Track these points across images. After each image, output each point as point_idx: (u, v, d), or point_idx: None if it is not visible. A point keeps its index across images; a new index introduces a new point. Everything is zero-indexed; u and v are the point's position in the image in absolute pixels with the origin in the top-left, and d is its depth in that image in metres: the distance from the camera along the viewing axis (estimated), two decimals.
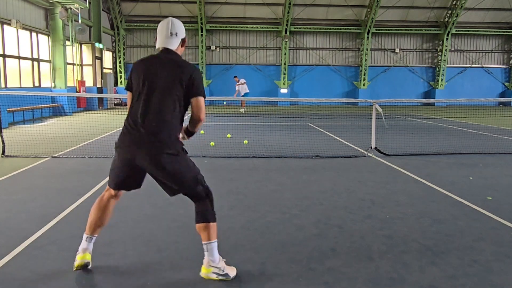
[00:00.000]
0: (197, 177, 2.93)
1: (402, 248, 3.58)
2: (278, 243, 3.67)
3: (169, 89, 2.82)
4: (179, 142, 2.91)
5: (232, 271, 3.01)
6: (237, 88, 19.70)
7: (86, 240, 3.06)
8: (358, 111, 20.21)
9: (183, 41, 3.01)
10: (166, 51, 2.94)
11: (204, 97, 2.94)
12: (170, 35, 2.93)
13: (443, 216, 4.45)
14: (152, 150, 2.78)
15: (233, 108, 20.45)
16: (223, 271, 2.95)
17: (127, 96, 3.06)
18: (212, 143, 9.18)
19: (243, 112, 18.80)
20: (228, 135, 10.65)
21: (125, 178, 2.97)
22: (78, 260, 2.99)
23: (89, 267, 3.04)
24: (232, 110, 19.43)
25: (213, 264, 2.94)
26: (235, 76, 20.39)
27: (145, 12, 25.07)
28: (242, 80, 19.67)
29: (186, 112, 2.99)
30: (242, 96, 19.20)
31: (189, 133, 3.10)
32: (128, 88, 3.00)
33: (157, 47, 2.99)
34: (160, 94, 2.82)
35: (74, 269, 3.00)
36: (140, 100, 2.86)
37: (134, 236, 3.78)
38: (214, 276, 2.93)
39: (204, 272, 2.96)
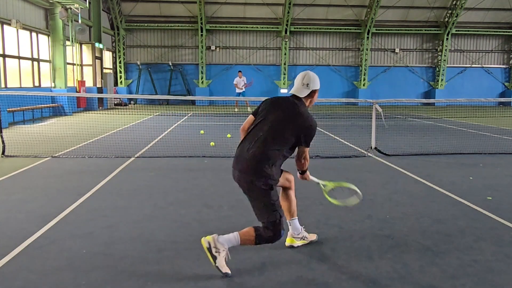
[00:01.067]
0: (269, 216, 3.10)
1: (402, 248, 3.58)
2: (278, 243, 3.66)
3: (281, 132, 3.14)
4: (267, 179, 3.08)
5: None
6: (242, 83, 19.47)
7: (290, 225, 3.59)
8: (358, 111, 20.21)
9: (313, 92, 3.37)
10: (295, 98, 3.32)
11: (308, 147, 3.32)
12: (303, 85, 3.33)
13: (443, 216, 4.45)
14: (242, 174, 3.11)
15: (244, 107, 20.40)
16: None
17: (249, 119, 3.40)
18: (212, 143, 9.17)
19: (237, 111, 18.78)
20: (228, 135, 10.65)
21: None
22: (287, 242, 3.60)
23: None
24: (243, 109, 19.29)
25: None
26: (240, 71, 20.14)
27: (145, 12, 25.06)
28: (245, 79, 19.63)
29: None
30: (240, 94, 19.20)
31: (301, 171, 3.58)
32: (254, 114, 3.36)
33: (290, 92, 3.37)
34: (272, 131, 3.13)
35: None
36: (254, 128, 3.22)
37: (134, 236, 3.78)
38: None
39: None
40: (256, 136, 3.15)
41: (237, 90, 19.38)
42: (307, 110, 3.32)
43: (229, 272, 3.03)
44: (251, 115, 3.38)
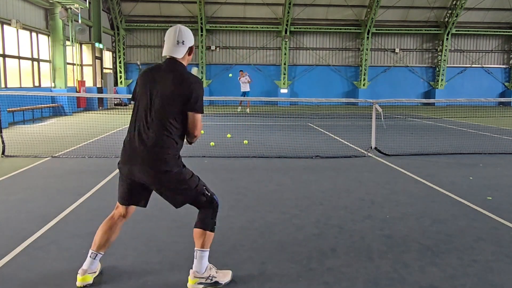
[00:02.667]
0: (197, 189, 2.85)
1: (402, 248, 3.58)
2: (278, 243, 3.67)
3: (168, 103, 2.72)
4: (178, 159, 2.82)
5: (225, 277, 2.94)
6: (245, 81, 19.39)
7: (90, 257, 2.93)
8: (358, 111, 20.21)
9: (190, 49, 2.89)
10: (171, 60, 2.83)
11: (202, 113, 2.81)
12: (177, 43, 2.80)
13: (443, 216, 4.45)
14: (145, 167, 2.71)
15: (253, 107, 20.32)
16: (211, 279, 2.88)
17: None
18: (212, 143, 9.17)
19: (239, 111, 18.78)
20: (228, 135, 10.65)
21: (130, 195, 2.91)
22: (79, 281, 2.87)
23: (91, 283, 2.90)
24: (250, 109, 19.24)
25: (198, 275, 2.86)
26: (241, 70, 20.08)
27: (145, 12, 25.06)
28: (248, 78, 19.56)
29: None
30: (245, 94, 19.16)
31: (188, 143, 3.01)
32: (133, 99, 2.93)
33: (163, 55, 2.88)
34: (157, 108, 2.72)
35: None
36: (139, 113, 2.79)
37: (134, 236, 3.78)
38: (201, 287, 2.87)
39: (190, 284, 2.88)
40: (146, 121, 2.74)
41: (243, 89, 19.25)
42: (188, 71, 2.86)
43: (231, 271, 3.02)
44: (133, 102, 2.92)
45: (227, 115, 17.59)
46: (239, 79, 19.62)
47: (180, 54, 2.82)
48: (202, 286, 2.87)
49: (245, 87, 19.35)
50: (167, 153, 2.73)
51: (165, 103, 2.72)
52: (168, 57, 2.85)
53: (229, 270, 3.03)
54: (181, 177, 2.80)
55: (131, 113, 2.92)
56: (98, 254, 2.95)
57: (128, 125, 2.91)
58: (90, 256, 2.94)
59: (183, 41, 2.82)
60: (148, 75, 2.86)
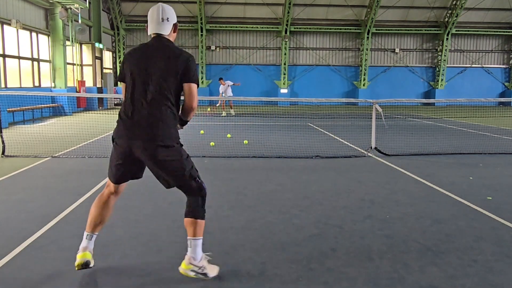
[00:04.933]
0: (190, 172, 2.90)
1: (402, 248, 3.58)
2: (278, 243, 3.67)
3: (163, 78, 2.78)
4: (175, 134, 2.87)
5: (212, 271, 2.96)
6: (221, 90, 18.55)
7: (86, 238, 3.01)
8: (358, 111, 20.21)
9: (175, 26, 2.95)
10: (158, 37, 2.89)
11: (198, 85, 2.88)
12: (162, 20, 2.87)
13: (443, 216, 4.45)
14: (146, 141, 2.76)
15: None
16: (202, 270, 2.91)
17: (122, 88, 3.03)
18: (212, 143, 9.18)
19: (233, 114, 18.09)
20: (228, 135, 10.65)
21: (124, 171, 2.96)
22: (79, 259, 2.95)
23: (91, 266, 2.98)
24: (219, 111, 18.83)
25: (194, 262, 2.89)
26: (221, 78, 19.16)
27: (145, 12, 24.60)
28: (229, 82, 18.74)
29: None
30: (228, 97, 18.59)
31: (182, 122, 3.04)
32: (121, 79, 2.96)
33: (149, 33, 2.93)
34: (154, 84, 2.78)
35: (76, 268, 2.95)
36: (134, 91, 2.83)
37: (134, 236, 3.78)
38: (192, 274, 2.89)
39: (183, 268, 2.91)
40: (145, 97, 2.78)
41: (227, 94, 18.35)
42: (178, 47, 2.91)
43: (218, 267, 3.02)
44: (122, 82, 2.96)
45: (227, 115, 17.58)
46: (220, 88, 18.66)
47: (166, 31, 2.89)
48: (194, 274, 2.90)
49: (228, 93, 18.46)
50: (168, 126, 2.79)
51: (161, 78, 2.78)
52: (153, 35, 2.90)
53: (217, 266, 3.03)
54: (178, 154, 2.86)
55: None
56: (93, 235, 3.02)
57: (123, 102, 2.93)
58: (86, 238, 3.01)
59: (167, 18, 2.88)
60: (138, 53, 2.89)
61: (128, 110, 2.83)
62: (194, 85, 2.85)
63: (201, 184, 2.95)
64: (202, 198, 2.95)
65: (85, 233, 3.04)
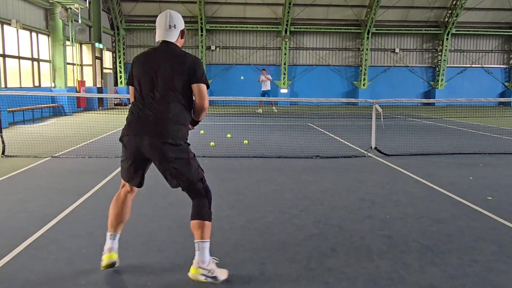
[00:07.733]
0: (197, 172, 2.92)
1: (402, 248, 3.58)
2: (278, 243, 3.67)
3: (170, 78, 2.83)
4: (183, 133, 2.90)
5: (222, 274, 2.93)
6: (261, 80, 19.16)
7: (110, 238, 3.04)
8: (358, 111, 20.21)
9: (182, 32, 3.01)
10: (165, 44, 2.94)
11: (207, 86, 2.94)
12: (169, 27, 2.92)
13: (443, 216, 4.45)
14: (152, 137, 2.78)
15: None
16: (212, 273, 2.88)
17: (130, 91, 3.08)
18: (212, 143, 9.18)
19: (260, 112, 18.48)
20: (228, 135, 10.65)
21: (136, 170, 2.97)
22: (105, 260, 2.97)
23: (117, 265, 3.01)
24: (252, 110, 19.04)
25: (203, 266, 2.87)
26: (264, 69, 19.89)
27: (145, 12, 25.05)
28: (269, 77, 19.32)
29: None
30: (266, 94, 18.91)
31: (193, 122, 3.10)
32: (130, 83, 3.02)
33: (156, 40, 3.00)
34: (162, 84, 2.83)
35: (102, 268, 2.98)
36: (142, 92, 2.88)
37: (134, 236, 3.78)
38: (202, 278, 2.87)
39: (192, 273, 2.89)
40: (154, 98, 2.84)
41: (263, 88, 19.02)
42: (184, 50, 2.98)
43: (226, 272, 3.00)
44: (131, 86, 3.03)
45: (227, 115, 17.58)
46: (260, 79, 19.27)
47: (173, 37, 2.95)
48: (204, 277, 2.87)
49: (266, 86, 19.07)
50: (175, 124, 2.83)
51: (169, 79, 2.83)
52: (161, 41, 2.96)
53: (226, 270, 3.01)
54: (186, 154, 2.89)
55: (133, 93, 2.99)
56: (116, 234, 3.07)
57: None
58: (109, 238, 3.05)
59: (174, 25, 2.94)
60: (147, 57, 2.95)
61: (136, 109, 2.89)
62: (203, 85, 2.90)
63: (207, 186, 2.97)
64: (209, 200, 2.95)
65: (108, 234, 3.06)
